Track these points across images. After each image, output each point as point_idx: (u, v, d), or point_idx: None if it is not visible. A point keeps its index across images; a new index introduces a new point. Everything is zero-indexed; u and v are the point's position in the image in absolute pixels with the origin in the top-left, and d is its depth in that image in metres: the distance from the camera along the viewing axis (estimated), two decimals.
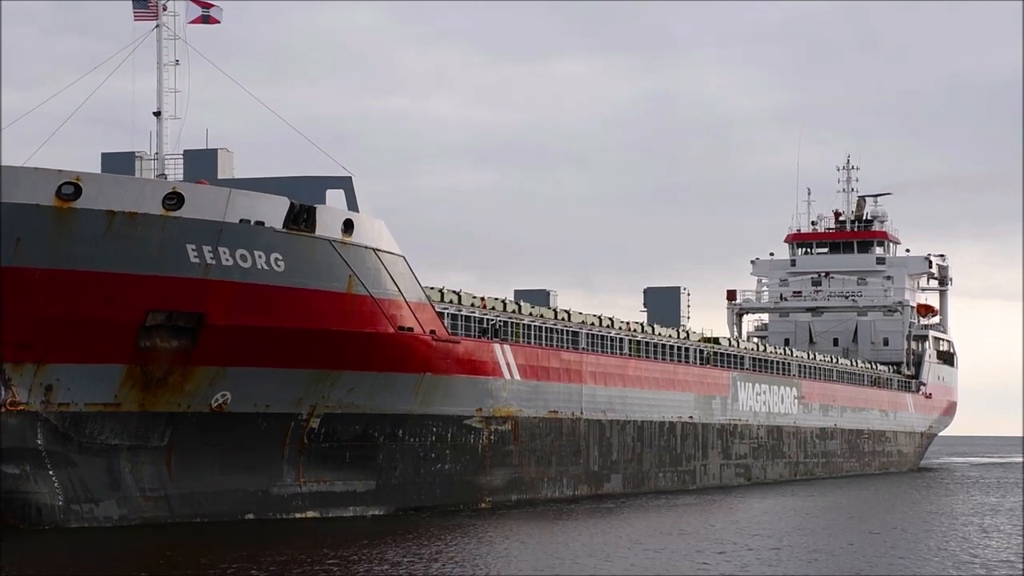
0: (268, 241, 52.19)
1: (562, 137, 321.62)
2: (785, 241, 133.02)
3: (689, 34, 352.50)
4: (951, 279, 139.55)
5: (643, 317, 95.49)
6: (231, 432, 53.66)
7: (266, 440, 54.87)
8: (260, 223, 51.85)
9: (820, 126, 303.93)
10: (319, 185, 56.57)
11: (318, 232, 53.75)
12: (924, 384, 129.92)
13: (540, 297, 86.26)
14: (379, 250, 56.62)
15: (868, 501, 76.73)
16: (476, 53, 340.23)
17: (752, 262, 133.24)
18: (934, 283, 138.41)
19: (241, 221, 51.32)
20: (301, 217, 53.12)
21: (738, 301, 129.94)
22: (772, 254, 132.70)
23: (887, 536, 53.39)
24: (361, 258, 55.67)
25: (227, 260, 51.18)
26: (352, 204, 56.29)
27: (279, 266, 52.60)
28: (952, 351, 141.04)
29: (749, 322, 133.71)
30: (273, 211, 52.24)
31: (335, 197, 56.38)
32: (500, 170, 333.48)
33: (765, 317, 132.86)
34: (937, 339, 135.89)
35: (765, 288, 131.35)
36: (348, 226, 55.00)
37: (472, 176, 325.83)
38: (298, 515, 55.64)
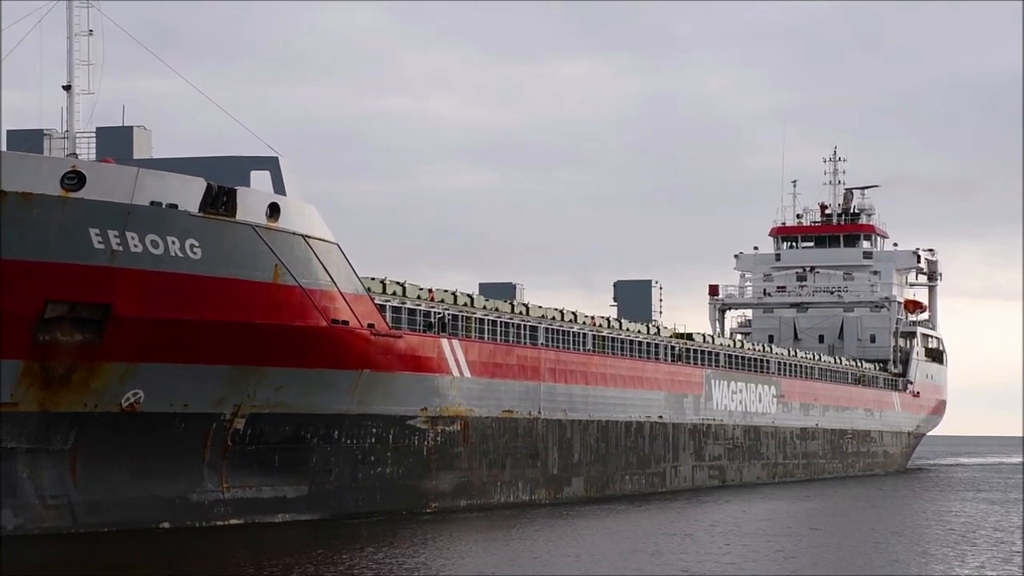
0: (182, 226, 47.94)
1: (562, 137, 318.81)
2: (769, 235, 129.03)
3: (689, 34, 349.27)
4: (941, 274, 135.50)
5: (613, 312, 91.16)
6: (145, 434, 49.39)
7: (185, 443, 50.60)
8: (173, 206, 47.60)
9: (819, 125, 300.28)
10: (243, 166, 52.34)
11: (239, 216, 49.50)
12: (912, 382, 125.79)
13: (505, 290, 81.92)
14: (309, 237, 52.35)
15: (843, 505, 72.58)
16: (476, 53, 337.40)
17: (735, 256, 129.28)
18: (923, 278, 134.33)
19: (152, 203, 47.11)
20: (220, 200, 48.87)
21: (720, 296, 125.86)
22: (756, 248, 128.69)
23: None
24: (289, 245, 51.41)
25: (136, 246, 46.95)
26: (279, 187, 52.10)
27: (195, 253, 48.35)
28: (941, 348, 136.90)
29: (732, 318, 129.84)
30: (188, 193, 48.00)
31: (260, 179, 52.19)
32: (500, 170, 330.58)
33: (749, 313, 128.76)
34: (926, 336, 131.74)
35: (749, 283, 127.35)
36: (274, 210, 50.74)
37: (472, 176, 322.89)
38: (220, 523, 51.38)
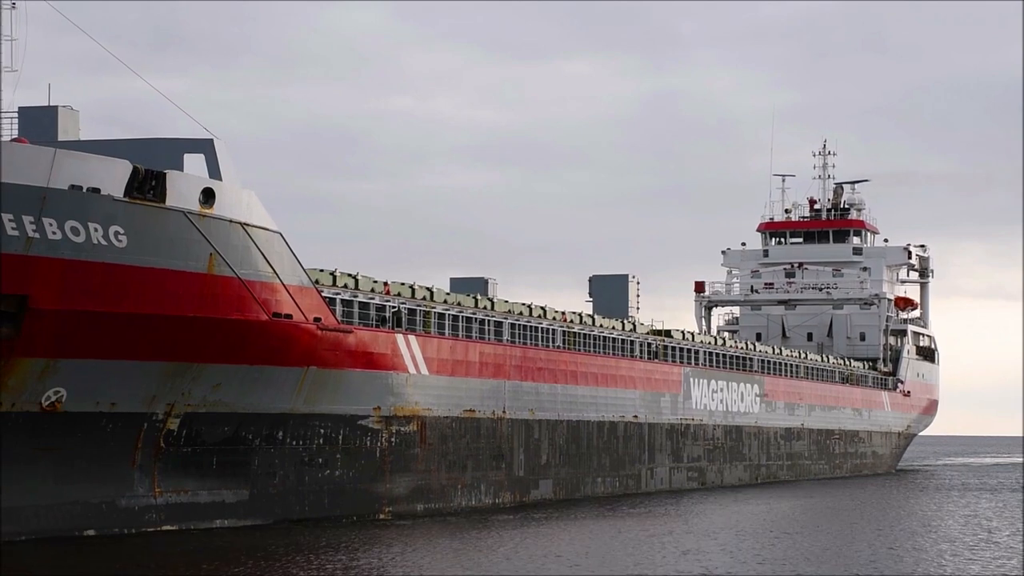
0: (106, 212, 44.66)
1: (565, 137, 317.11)
2: (757, 230, 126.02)
3: (693, 33, 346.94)
4: (932, 271, 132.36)
5: (589, 307, 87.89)
6: (68, 436, 46.09)
7: (112, 445, 47.30)
8: (95, 190, 44.33)
9: (820, 125, 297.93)
10: (175, 148, 49.13)
11: (169, 202, 46.22)
12: (902, 381, 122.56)
13: (477, 285, 78.72)
14: (248, 224, 49.05)
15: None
16: (480, 53, 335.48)
17: (723, 252, 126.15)
18: (914, 275, 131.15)
19: (71, 187, 43.86)
20: (147, 184, 45.58)
21: (706, 293, 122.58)
22: (744, 244, 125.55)
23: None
24: (225, 233, 48.12)
25: (54, 233, 43.67)
26: (214, 171, 48.78)
27: (120, 241, 45.07)
28: (933, 347, 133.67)
29: (720, 316, 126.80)
30: (112, 176, 44.72)
31: (194, 163, 48.90)
32: (504, 170, 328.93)
33: (736, 311, 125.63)
34: (917, 334, 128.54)
35: (736, 280, 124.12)
36: (208, 196, 47.45)
37: (476, 176, 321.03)
38: (151, 530, 48.09)
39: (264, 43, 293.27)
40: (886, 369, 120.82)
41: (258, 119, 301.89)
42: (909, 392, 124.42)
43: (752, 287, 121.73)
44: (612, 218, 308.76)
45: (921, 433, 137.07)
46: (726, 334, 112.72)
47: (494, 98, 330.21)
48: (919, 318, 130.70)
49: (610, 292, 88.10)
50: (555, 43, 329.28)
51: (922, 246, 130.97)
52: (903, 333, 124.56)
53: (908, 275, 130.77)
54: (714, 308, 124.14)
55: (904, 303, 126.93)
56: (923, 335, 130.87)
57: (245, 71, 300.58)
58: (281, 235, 50.85)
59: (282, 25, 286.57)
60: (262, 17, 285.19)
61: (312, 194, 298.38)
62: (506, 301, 68.66)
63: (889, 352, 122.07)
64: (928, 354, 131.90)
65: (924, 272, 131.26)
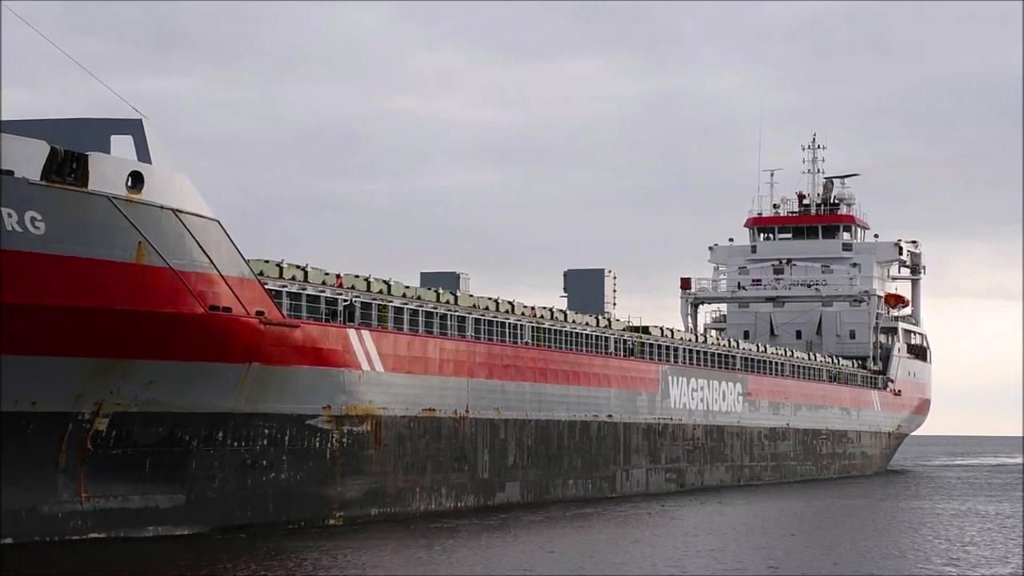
0: (21, 196, 41.56)
1: (569, 137, 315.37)
2: (745, 226, 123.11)
3: (696, 33, 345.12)
4: (924, 267, 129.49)
5: (563, 303, 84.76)
6: None
7: (33, 447, 44.14)
8: (8, 173, 41.23)
9: (824, 125, 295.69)
10: (101, 129, 46.04)
11: (92, 186, 43.09)
12: (892, 380, 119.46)
13: (449, 280, 75.70)
14: (181, 211, 45.89)
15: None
16: (483, 53, 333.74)
17: (710, 248, 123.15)
18: (906, 271, 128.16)
19: None
20: (67, 167, 42.44)
21: (692, 290, 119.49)
22: (731, 240, 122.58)
23: None
24: (155, 221, 44.97)
25: None
26: (143, 154, 45.65)
27: (37, 228, 41.97)
28: (925, 345, 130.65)
29: (707, 313, 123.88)
30: (27, 158, 41.61)
31: (122, 144, 45.81)
32: (506, 170, 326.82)
33: (724, 308, 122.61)
34: (908, 332, 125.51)
35: (723, 277, 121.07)
36: (136, 180, 44.29)
37: (478, 176, 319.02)
38: (77, 538, 44.96)
39: (267, 43, 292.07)
40: (876, 368, 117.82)
41: (261, 119, 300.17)
42: (900, 391, 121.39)
43: (739, 284, 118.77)
44: (613, 218, 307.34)
45: (918, 433, 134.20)
46: (712, 332, 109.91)
47: (497, 98, 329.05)
48: (911, 316, 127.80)
49: (585, 287, 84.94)
50: (558, 43, 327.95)
51: (913, 242, 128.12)
52: (894, 331, 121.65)
53: (900, 271, 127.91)
54: (700, 305, 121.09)
55: (895, 300, 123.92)
56: (915, 333, 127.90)
57: (248, 71, 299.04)
58: (219, 223, 47.72)
59: (285, 25, 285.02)
60: (265, 17, 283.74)
61: (314, 194, 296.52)
62: (471, 296, 65.63)
63: (879, 350, 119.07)
64: (920, 352, 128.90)
65: (916, 268, 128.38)
